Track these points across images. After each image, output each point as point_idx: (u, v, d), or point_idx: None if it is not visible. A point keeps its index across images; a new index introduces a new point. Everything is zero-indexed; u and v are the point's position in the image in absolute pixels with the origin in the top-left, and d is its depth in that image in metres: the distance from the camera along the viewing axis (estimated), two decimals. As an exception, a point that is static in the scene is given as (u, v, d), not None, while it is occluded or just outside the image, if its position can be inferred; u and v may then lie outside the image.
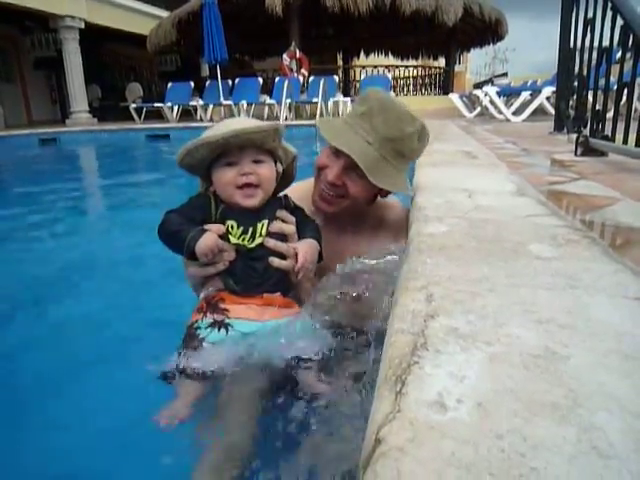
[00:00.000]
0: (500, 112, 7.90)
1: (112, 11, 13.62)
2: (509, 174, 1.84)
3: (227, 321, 1.00)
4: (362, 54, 18.11)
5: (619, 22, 2.56)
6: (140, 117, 11.37)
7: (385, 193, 1.25)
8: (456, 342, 0.54)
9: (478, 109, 9.14)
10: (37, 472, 1.07)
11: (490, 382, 0.47)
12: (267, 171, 1.05)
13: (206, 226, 1.02)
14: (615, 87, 2.71)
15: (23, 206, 3.89)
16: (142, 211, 3.74)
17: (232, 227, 1.03)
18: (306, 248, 1.05)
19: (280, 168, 1.11)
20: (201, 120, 10.95)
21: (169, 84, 11.64)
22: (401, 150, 1.12)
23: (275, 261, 1.04)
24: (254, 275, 1.04)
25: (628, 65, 2.66)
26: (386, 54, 17.75)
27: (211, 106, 11.02)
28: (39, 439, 1.17)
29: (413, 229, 1.04)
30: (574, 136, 2.76)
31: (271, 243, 1.04)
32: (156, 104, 11.34)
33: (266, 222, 1.05)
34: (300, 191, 1.25)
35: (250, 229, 1.04)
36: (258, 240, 1.04)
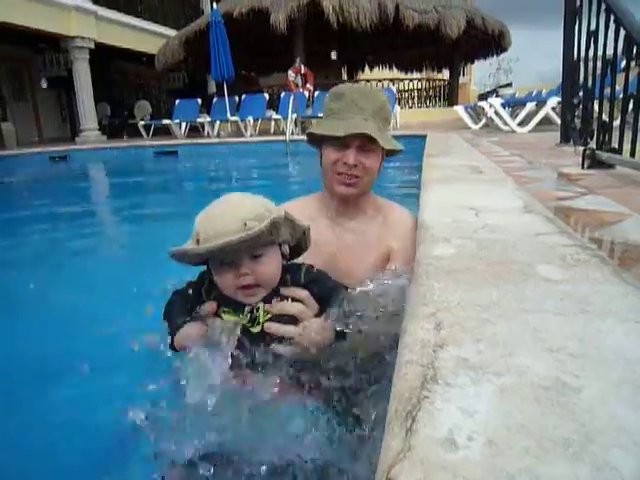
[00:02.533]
0: (505, 123, 7.91)
1: (121, 31, 13.87)
2: (516, 190, 1.84)
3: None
4: (366, 68, 18.27)
5: (622, 32, 2.57)
6: (148, 134, 11.51)
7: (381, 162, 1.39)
8: (466, 374, 0.54)
9: (483, 120, 9.16)
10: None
11: (501, 417, 0.46)
12: (267, 267, 0.97)
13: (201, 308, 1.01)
14: (621, 96, 2.71)
15: (33, 223, 3.94)
16: (150, 226, 3.77)
17: (225, 312, 0.99)
18: (313, 331, 0.97)
19: (287, 249, 1.06)
20: (208, 136, 11.07)
21: (177, 101, 11.79)
22: (385, 116, 1.34)
23: (280, 349, 0.97)
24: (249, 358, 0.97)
25: (634, 74, 2.66)
26: (390, 67, 17.89)
27: (218, 122, 11.15)
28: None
29: (420, 251, 1.04)
30: (581, 148, 2.76)
31: (272, 328, 0.97)
32: (164, 121, 11.49)
33: (261, 305, 0.98)
34: (310, 205, 1.44)
35: (248, 312, 0.98)
36: (258, 327, 0.97)
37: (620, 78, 2.81)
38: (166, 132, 11.92)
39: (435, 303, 0.74)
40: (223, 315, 0.98)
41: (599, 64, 3.05)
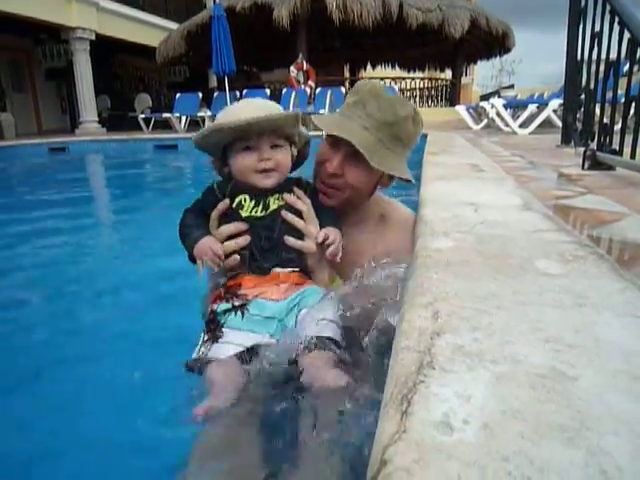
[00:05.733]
0: (507, 124, 7.91)
1: (122, 23, 13.83)
2: (516, 188, 1.84)
3: (246, 304, 1.00)
4: (369, 66, 18.26)
5: (627, 35, 2.57)
6: (148, 127, 11.49)
7: (385, 183, 1.24)
8: (462, 361, 0.54)
9: (485, 121, 9.17)
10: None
11: (496, 402, 0.46)
12: (284, 157, 1.08)
13: (217, 209, 1.07)
14: (623, 100, 2.71)
15: (29, 213, 3.93)
16: (147, 219, 3.77)
17: (244, 200, 1.05)
18: (335, 233, 1.09)
19: (295, 152, 1.14)
20: (209, 130, 11.03)
21: (177, 95, 11.76)
22: (397, 134, 1.13)
23: (290, 240, 1.06)
24: (266, 245, 1.04)
25: (636, 77, 2.67)
26: (392, 66, 17.90)
27: (219, 117, 11.12)
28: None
29: (419, 243, 1.04)
30: (581, 149, 2.76)
31: (289, 216, 1.07)
32: (164, 114, 11.47)
33: (278, 195, 1.07)
34: None
35: (262, 201, 1.06)
36: (268, 211, 1.06)
37: (622, 81, 2.81)
38: (166, 126, 11.89)
39: (433, 293, 0.74)
40: (242, 204, 1.05)
41: (602, 66, 3.05)
